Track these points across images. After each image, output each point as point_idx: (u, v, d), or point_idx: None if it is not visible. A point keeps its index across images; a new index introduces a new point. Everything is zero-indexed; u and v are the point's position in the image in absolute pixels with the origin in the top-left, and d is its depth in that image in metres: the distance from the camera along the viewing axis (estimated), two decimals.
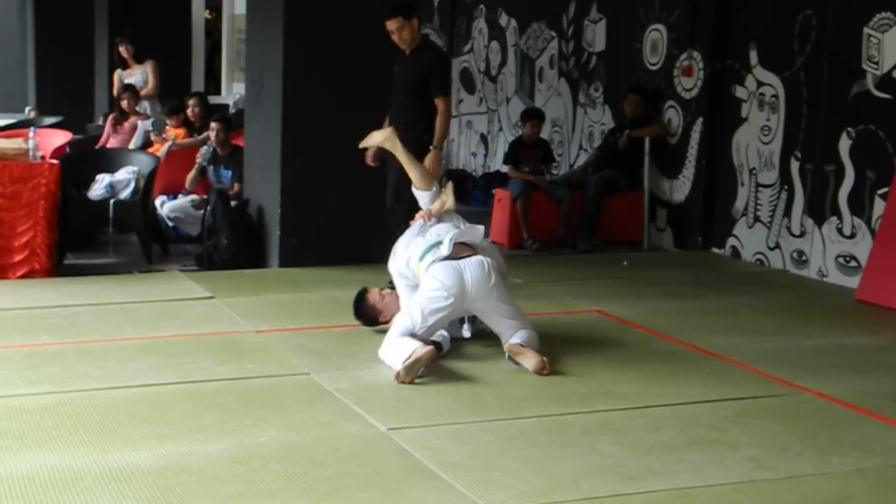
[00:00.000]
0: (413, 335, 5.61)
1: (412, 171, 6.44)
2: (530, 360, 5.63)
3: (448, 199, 6.27)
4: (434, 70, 7.25)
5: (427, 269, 5.80)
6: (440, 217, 6.24)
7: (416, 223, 6.25)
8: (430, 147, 7.13)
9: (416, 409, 5.07)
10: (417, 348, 5.46)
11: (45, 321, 6.49)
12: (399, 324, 5.72)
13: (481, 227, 6.16)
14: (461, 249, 5.89)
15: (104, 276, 7.96)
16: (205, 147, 9.43)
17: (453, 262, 5.79)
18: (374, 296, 6.36)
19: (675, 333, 6.54)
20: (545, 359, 5.64)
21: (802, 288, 8.10)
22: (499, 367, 5.74)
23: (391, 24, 7.19)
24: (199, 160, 9.33)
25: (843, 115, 8.10)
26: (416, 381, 5.41)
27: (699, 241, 9.51)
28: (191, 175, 9.34)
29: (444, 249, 5.82)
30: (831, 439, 4.80)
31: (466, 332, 6.20)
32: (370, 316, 6.36)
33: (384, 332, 5.92)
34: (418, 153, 6.90)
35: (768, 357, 6.06)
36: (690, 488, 4.19)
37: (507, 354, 5.75)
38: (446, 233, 5.98)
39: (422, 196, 6.37)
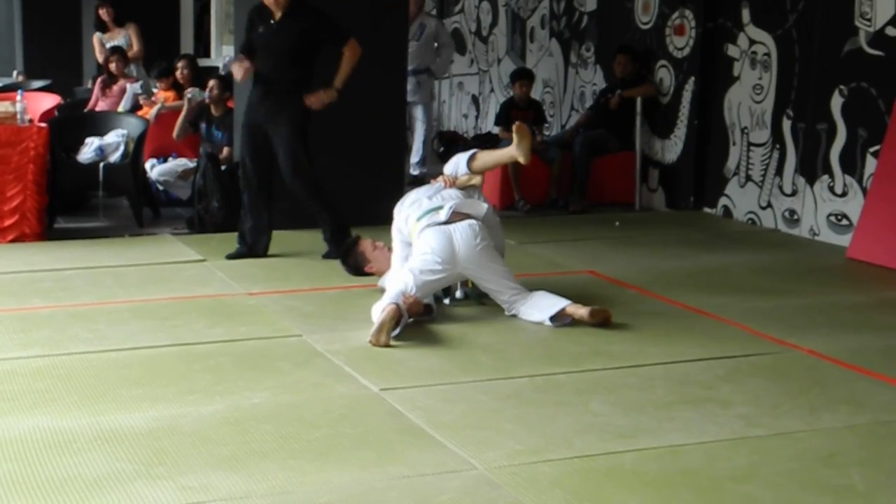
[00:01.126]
0: (404, 294, 5.60)
1: (495, 159, 6.45)
2: (584, 311, 5.72)
3: (476, 178, 6.25)
4: (321, 28, 7.00)
5: (420, 232, 5.82)
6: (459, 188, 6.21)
7: (436, 184, 6.26)
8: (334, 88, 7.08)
9: (409, 369, 5.08)
10: (383, 311, 5.44)
11: (37, 285, 6.47)
12: (393, 286, 5.72)
13: (486, 206, 6.13)
14: (457, 217, 5.90)
15: (95, 239, 7.95)
16: (195, 89, 9.38)
17: (443, 227, 5.84)
18: (365, 244, 6.45)
19: (666, 293, 6.54)
20: (601, 313, 5.76)
21: (794, 247, 8.11)
22: (491, 328, 5.75)
23: None
24: (188, 95, 9.26)
25: (836, 72, 8.07)
26: (407, 341, 5.41)
27: (691, 201, 9.51)
28: (179, 121, 9.24)
29: (443, 216, 5.86)
30: (822, 396, 4.82)
31: (459, 293, 6.21)
32: (357, 263, 6.44)
33: (373, 292, 5.92)
34: (300, 120, 7.02)
35: (760, 316, 6.07)
36: (683, 445, 4.21)
37: (549, 317, 5.74)
38: (451, 200, 5.99)
39: (461, 168, 6.31)
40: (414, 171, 10.44)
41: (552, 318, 5.75)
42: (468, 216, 5.95)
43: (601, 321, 5.74)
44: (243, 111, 7.29)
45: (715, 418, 4.51)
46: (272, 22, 6.91)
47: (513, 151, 6.15)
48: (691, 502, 3.70)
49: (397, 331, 5.44)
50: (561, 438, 4.26)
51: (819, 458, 4.11)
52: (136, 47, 11.28)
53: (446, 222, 5.86)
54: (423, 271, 5.72)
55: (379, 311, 5.53)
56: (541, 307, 5.81)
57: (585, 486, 3.82)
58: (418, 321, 5.68)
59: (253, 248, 7.23)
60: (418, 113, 10.65)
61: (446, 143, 11.30)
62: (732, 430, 4.40)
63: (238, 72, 7.03)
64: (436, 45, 10.73)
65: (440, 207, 5.94)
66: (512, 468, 3.96)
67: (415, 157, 10.60)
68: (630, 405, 4.64)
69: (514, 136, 6.13)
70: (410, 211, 6.05)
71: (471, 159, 6.27)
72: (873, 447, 4.24)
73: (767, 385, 4.95)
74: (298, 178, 7.14)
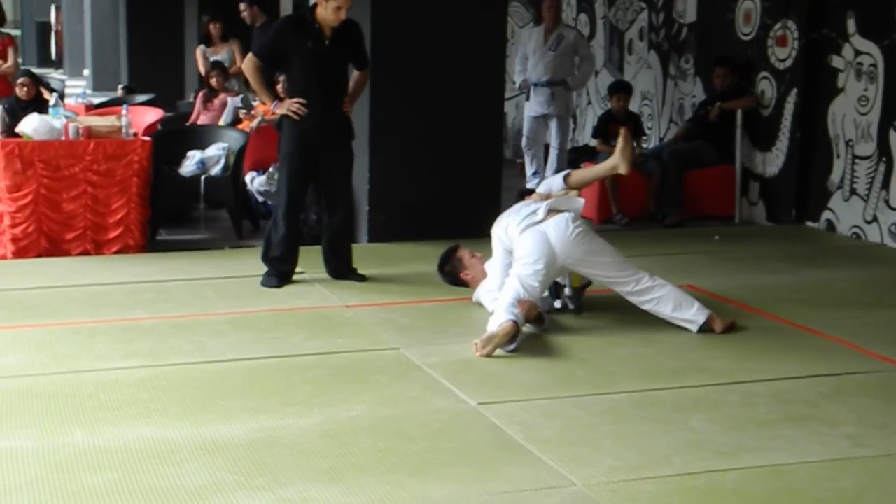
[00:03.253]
0: (518, 300, 5.62)
1: (594, 173, 6.45)
2: (718, 324, 5.88)
3: (573, 192, 6.24)
4: (359, 47, 6.97)
5: (520, 234, 5.86)
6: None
7: (531, 201, 6.28)
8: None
9: (506, 383, 5.06)
10: (502, 324, 5.44)
11: (140, 296, 6.59)
12: (505, 296, 5.71)
13: (582, 200, 6.14)
14: (553, 214, 5.94)
15: (196, 251, 8.06)
16: (255, 122, 9.52)
17: (538, 226, 5.87)
18: (463, 253, 6.55)
19: (768, 308, 6.43)
20: (732, 321, 5.94)
21: None
22: (588, 342, 5.71)
23: (347, 3, 6.58)
24: (251, 126, 9.42)
25: None
26: (505, 355, 5.40)
27: (793, 215, 9.33)
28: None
29: (540, 214, 5.88)
30: None
31: (557, 303, 6.19)
32: (454, 270, 6.52)
33: (470, 305, 5.92)
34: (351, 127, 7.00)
35: (867, 332, 5.93)
36: (786, 465, 4.13)
37: (697, 329, 5.85)
38: (546, 202, 6.02)
39: (556, 185, 6.28)
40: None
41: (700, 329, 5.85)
42: (564, 212, 5.95)
43: (728, 328, 5.89)
44: (288, 136, 6.87)
45: (820, 438, 4.42)
46: (323, 39, 6.73)
47: (614, 161, 6.10)
48: None
49: (513, 346, 5.44)
50: (660, 456, 4.20)
51: None
52: (238, 62, 11.44)
53: (542, 220, 5.88)
54: (526, 275, 5.74)
55: (496, 324, 5.52)
56: (684, 314, 5.87)
57: None
58: (528, 334, 5.67)
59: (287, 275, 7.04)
60: (552, 126, 10.40)
61: (543, 156, 11.21)
62: (838, 450, 4.30)
63: (288, 110, 6.76)
64: (576, 58, 10.47)
65: (536, 211, 5.96)
66: (611, 485, 3.92)
67: (549, 171, 10.39)
68: (731, 423, 4.56)
69: (620, 141, 6.08)
70: (510, 220, 6.08)
71: (567, 176, 6.25)
72: None
73: (874, 404, 4.83)
74: (348, 210, 7.11)
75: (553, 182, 6.30)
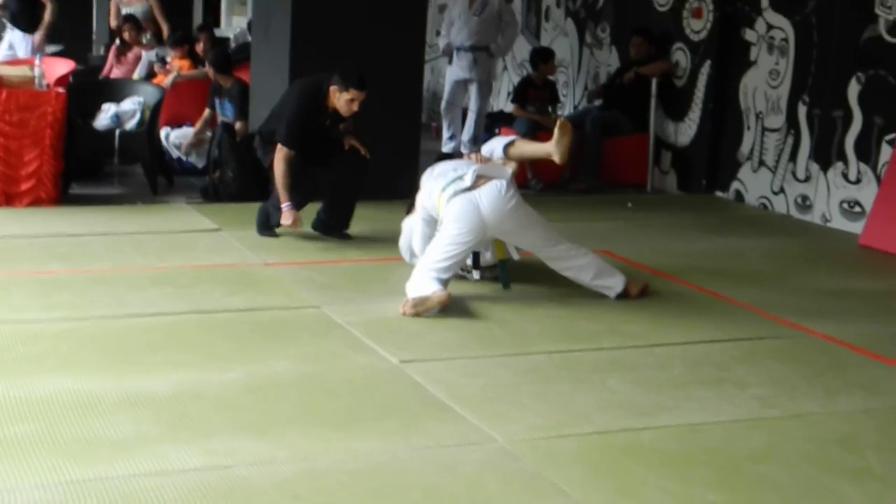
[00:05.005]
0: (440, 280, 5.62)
1: (531, 151, 6.48)
2: (634, 288, 6.04)
3: (511, 164, 6.22)
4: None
5: (447, 202, 5.80)
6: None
7: (464, 160, 6.28)
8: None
9: (428, 342, 5.12)
10: (436, 291, 5.48)
11: (55, 249, 6.50)
12: (428, 257, 5.74)
13: (510, 170, 6.11)
14: (482, 181, 5.86)
15: (110, 206, 7.97)
16: (169, 78, 9.49)
17: (468, 195, 5.76)
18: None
19: (680, 274, 6.58)
20: (645, 283, 6.11)
21: (806, 233, 8.14)
22: (507, 304, 5.79)
23: (362, 96, 6.71)
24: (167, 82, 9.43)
25: (854, 60, 8.09)
26: (426, 316, 5.45)
27: (703, 185, 9.53)
28: (205, 116, 9.34)
29: (467, 180, 5.81)
30: (838, 380, 4.86)
31: (475, 275, 6.21)
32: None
33: (389, 266, 5.95)
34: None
35: (774, 300, 6.10)
36: (700, 424, 4.25)
37: (615, 296, 5.97)
38: (474, 166, 5.99)
39: (497, 152, 6.26)
40: (465, 150, 10.24)
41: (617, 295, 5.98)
42: (494, 179, 5.94)
43: (642, 292, 6.04)
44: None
45: (731, 399, 4.56)
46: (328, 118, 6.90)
47: (550, 148, 6.08)
48: (710, 480, 3.75)
49: (434, 312, 5.49)
50: (580, 415, 4.30)
51: (835, 441, 4.15)
52: (158, 16, 11.24)
53: (471, 188, 5.82)
54: (452, 244, 5.70)
55: (418, 287, 5.55)
56: (603, 281, 5.97)
57: (605, 461, 3.87)
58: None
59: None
60: (472, 91, 10.37)
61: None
62: (749, 410, 4.44)
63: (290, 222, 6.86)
64: (501, 24, 10.40)
65: (463, 176, 5.91)
66: (532, 442, 4.00)
67: (465, 135, 10.44)
68: (648, 384, 4.68)
69: (556, 132, 6.03)
70: (435, 184, 6.00)
71: (509, 145, 6.17)
72: (889, 431, 4.29)
73: (783, 368, 4.99)
74: (358, 168, 7.16)
75: (495, 147, 6.19)
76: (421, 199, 6.12)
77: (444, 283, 5.61)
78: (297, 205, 6.89)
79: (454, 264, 5.73)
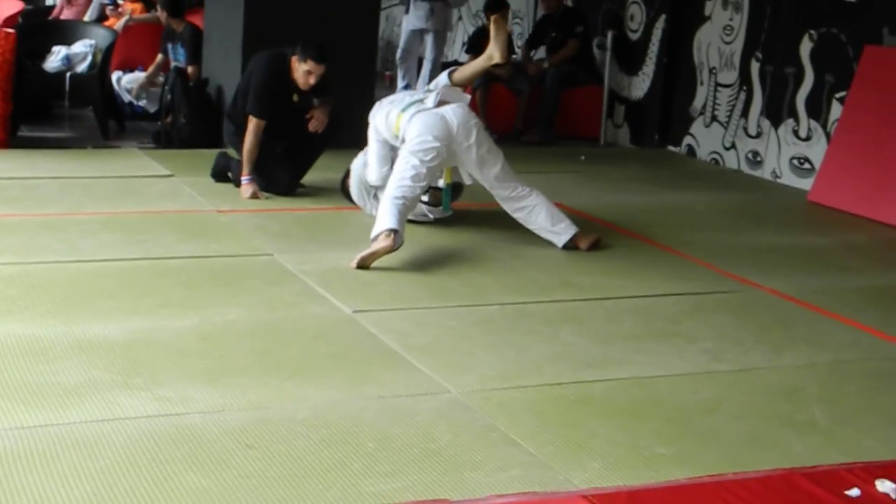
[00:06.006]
0: (401, 201, 5.60)
1: (472, 68, 6.37)
2: (584, 242, 6.03)
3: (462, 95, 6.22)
4: (325, 86, 6.92)
5: (409, 120, 5.82)
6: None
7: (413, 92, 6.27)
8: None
9: (381, 292, 5.13)
10: (381, 237, 5.47)
11: (3, 192, 6.43)
12: (394, 177, 5.72)
13: (468, 97, 6.16)
14: (444, 104, 5.93)
15: (60, 149, 7.88)
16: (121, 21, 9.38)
17: (433, 110, 5.84)
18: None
19: (632, 228, 6.63)
20: (597, 237, 6.10)
21: (756, 188, 8.22)
22: (459, 255, 5.81)
23: (319, 69, 6.64)
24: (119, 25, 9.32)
25: (806, 17, 8.14)
26: (378, 265, 5.45)
27: (655, 139, 9.58)
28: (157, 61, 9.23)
29: (430, 102, 5.85)
30: (784, 334, 4.93)
31: (430, 214, 6.25)
32: (345, 186, 6.53)
33: (343, 215, 5.93)
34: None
35: (723, 254, 6.17)
36: (650, 377, 4.31)
37: (562, 245, 5.98)
38: (434, 91, 6.02)
39: (442, 81, 6.21)
40: None
41: (564, 246, 5.96)
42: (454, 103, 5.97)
43: (593, 245, 6.03)
44: None
45: (681, 352, 4.61)
46: (295, 93, 6.83)
47: (489, 50, 6.06)
48: (659, 431, 3.80)
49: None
50: (532, 366, 4.34)
51: (781, 394, 4.22)
52: None
53: (433, 108, 5.86)
54: (420, 153, 5.71)
55: (381, 211, 5.56)
56: (553, 228, 5.99)
57: (557, 412, 3.91)
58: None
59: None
60: (428, 40, 10.30)
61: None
62: (698, 364, 4.50)
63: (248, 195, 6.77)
64: None
65: (424, 99, 5.94)
66: (484, 392, 4.03)
67: (421, 84, 10.39)
68: (598, 336, 4.73)
69: (492, 27, 6.07)
70: (391, 108, 6.02)
71: (451, 73, 6.23)
72: (833, 385, 4.37)
73: (731, 322, 5.06)
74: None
75: (439, 79, 6.25)
76: (374, 125, 6.11)
77: (404, 210, 5.57)
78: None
79: (421, 176, 5.69)
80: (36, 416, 3.57)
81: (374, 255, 5.43)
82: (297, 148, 7.00)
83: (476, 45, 9.99)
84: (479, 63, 6.31)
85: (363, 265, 5.41)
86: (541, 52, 10.30)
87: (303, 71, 6.60)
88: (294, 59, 6.62)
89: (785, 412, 4.05)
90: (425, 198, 6.18)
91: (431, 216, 6.28)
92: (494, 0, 10.34)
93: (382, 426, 3.68)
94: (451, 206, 6.28)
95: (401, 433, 3.63)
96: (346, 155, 6.79)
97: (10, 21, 9.50)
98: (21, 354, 4.07)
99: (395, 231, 5.46)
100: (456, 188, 6.30)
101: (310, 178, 7.10)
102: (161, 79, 8.99)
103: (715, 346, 4.72)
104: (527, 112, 9.75)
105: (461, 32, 12.16)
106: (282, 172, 6.88)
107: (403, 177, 5.69)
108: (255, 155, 6.72)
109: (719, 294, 5.49)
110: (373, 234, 5.51)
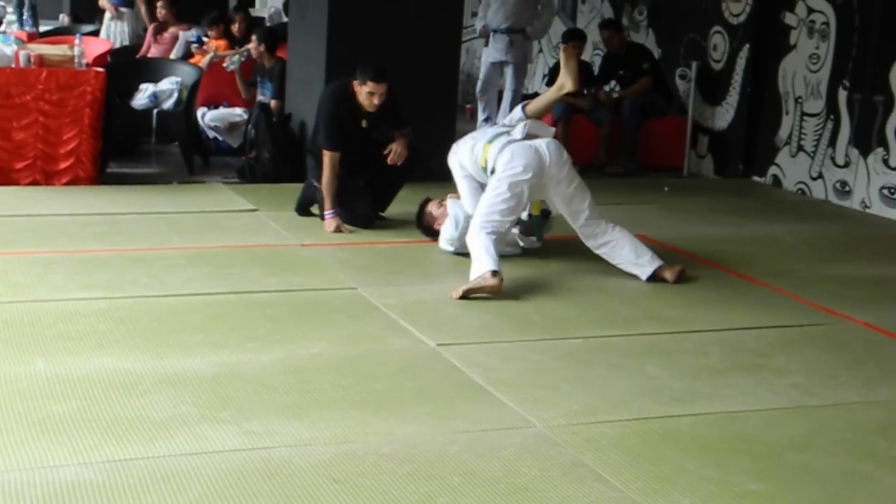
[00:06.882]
0: (493, 236, 5.63)
1: (545, 98, 6.41)
2: (670, 273, 5.94)
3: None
4: (396, 112, 6.93)
5: (499, 151, 5.85)
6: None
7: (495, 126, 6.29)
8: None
9: (464, 326, 5.12)
10: (487, 276, 5.47)
11: (94, 228, 6.54)
12: (483, 204, 5.75)
13: (553, 129, 6.22)
14: (532, 138, 5.98)
15: (147, 185, 8.00)
16: (236, 56, 9.43)
17: (526, 142, 5.88)
18: (431, 205, 6.57)
19: (717, 260, 6.55)
20: (682, 268, 6.02)
21: (845, 218, 8.07)
22: (543, 288, 5.78)
23: (380, 88, 6.64)
24: (226, 66, 9.36)
25: None
26: (462, 299, 5.45)
27: (740, 169, 9.47)
28: (241, 88, 9.38)
29: (518, 133, 5.89)
30: (878, 368, 4.82)
31: (521, 242, 6.25)
32: (428, 224, 6.55)
33: (425, 248, 5.94)
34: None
35: (811, 286, 6.06)
36: (739, 412, 4.23)
37: (646, 277, 5.93)
38: (521, 123, 6.05)
39: (516, 114, 6.29)
40: None
41: (649, 278, 5.91)
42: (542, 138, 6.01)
43: (679, 276, 5.96)
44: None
45: (770, 386, 4.53)
46: (363, 118, 6.85)
47: (560, 80, 6.11)
48: (750, 467, 3.73)
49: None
50: (618, 400, 4.29)
51: (876, 430, 4.12)
52: None
53: (523, 140, 5.90)
54: (511, 180, 5.73)
55: (475, 259, 5.56)
56: (637, 261, 5.94)
57: (644, 447, 3.86)
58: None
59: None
60: (508, 73, 10.26)
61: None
62: (788, 398, 4.42)
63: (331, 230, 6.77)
64: (539, 6, 10.37)
65: (511, 131, 5.97)
66: (570, 427, 3.99)
67: (501, 117, 10.40)
68: (685, 370, 4.66)
69: (562, 56, 6.13)
70: (474, 142, 6.08)
71: (524, 106, 6.30)
72: None
73: (822, 355, 4.95)
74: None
75: (514, 112, 6.32)
76: (458, 162, 6.15)
77: (497, 246, 5.60)
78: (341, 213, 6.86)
79: (510, 209, 5.74)
80: (126, 449, 3.61)
81: (480, 291, 5.46)
82: (377, 181, 7.03)
83: (555, 78, 9.96)
84: (551, 93, 6.33)
85: (465, 296, 5.43)
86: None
87: (365, 93, 6.65)
88: (355, 83, 6.68)
89: (881, 449, 3.95)
90: (522, 243, 6.24)
91: (522, 244, 6.27)
92: (570, 31, 10.37)
93: (468, 461, 3.65)
94: (542, 237, 6.28)
95: (487, 468, 3.61)
96: (427, 188, 6.83)
97: (99, 60, 9.72)
98: (112, 388, 4.12)
99: (497, 272, 5.48)
100: (545, 215, 6.28)
101: (391, 211, 7.12)
102: (244, 115, 9.11)
103: (805, 380, 4.63)
104: (609, 144, 9.70)
105: (542, 65, 12.17)
106: (363, 205, 6.91)
107: (492, 210, 5.71)
108: (333, 188, 6.76)
109: (809, 327, 5.39)
110: (474, 275, 5.52)
